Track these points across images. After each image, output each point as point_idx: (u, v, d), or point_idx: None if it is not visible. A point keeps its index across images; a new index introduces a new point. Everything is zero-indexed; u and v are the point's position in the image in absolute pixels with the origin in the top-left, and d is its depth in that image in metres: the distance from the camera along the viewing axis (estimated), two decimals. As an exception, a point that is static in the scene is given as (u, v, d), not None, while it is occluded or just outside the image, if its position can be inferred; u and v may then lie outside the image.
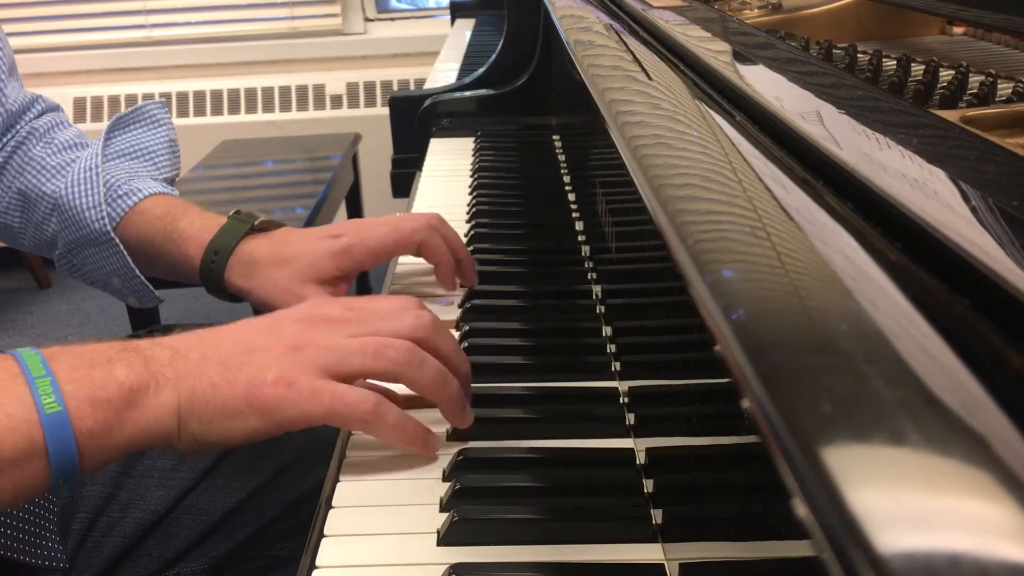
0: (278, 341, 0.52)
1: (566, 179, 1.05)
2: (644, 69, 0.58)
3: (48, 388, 0.46)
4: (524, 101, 1.28)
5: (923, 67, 0.53)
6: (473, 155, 1.17)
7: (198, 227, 0.77)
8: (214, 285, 0.77)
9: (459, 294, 0.77)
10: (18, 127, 0.85)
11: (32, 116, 0.86)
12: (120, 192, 0.80)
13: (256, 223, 0.76)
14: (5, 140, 0.84)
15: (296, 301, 0.72)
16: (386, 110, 1.35)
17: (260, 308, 0.76)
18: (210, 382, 0.49)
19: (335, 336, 0.53)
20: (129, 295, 0.84)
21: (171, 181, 0.89)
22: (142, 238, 0.80)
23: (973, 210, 0.28)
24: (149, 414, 0.48)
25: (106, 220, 0.79)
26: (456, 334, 0.69)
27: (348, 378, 0.51)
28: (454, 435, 0.56)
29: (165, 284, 0.86)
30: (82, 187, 0.80)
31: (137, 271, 0.81)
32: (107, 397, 0.47)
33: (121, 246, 0.80)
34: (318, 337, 0.52)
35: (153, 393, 0.48)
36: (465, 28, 2.17)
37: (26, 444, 0.45)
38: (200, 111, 2.85)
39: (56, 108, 0.90)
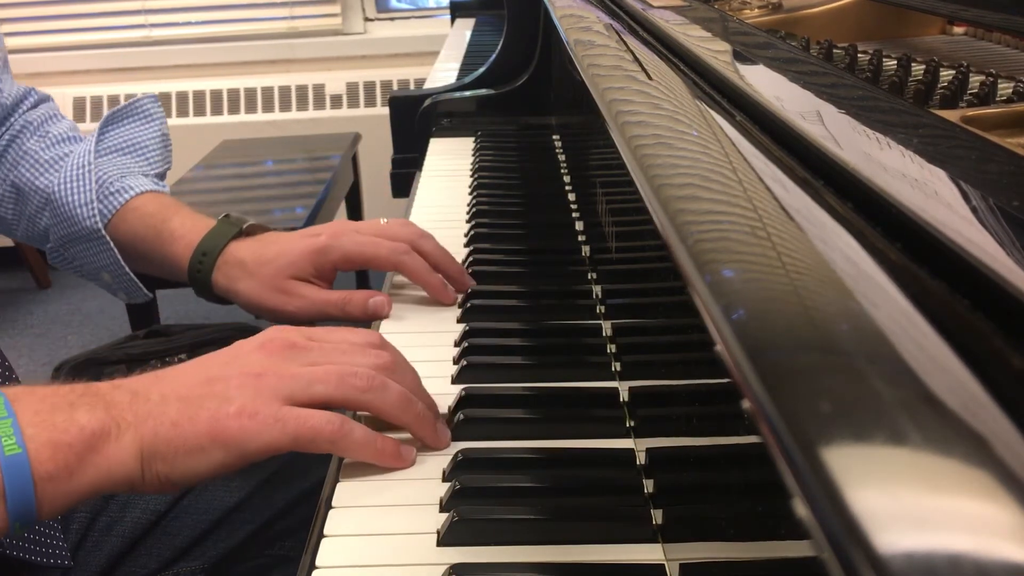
0: (238, 370, 0.51)
1: (566, 179, 1.05)
2: (644, 69, 0.58)
3: (9, 430, 0.45)
4: (524, 101, 1.28)
5: (923, 67, 0.53)
6: (473, 155, 1.17)
7: (188, 228, 0.79)
8: (201, 286, 0.78)
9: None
10: (12, 119, 0.86)
11: (26, 108, 0.87)
12: (112, 189, 0.81)
13: (244, 227, 0.78)
14: (0, 132, 0.85)
15: (278, 296, 0.74)
16: (386, 110, 1.35)
17: (246, 309, 0.77)
18: (171, 421, 0.48)
19: (295, 364, 0.52)
20: (119, 290, 0.85)
21: (162, 175, 0.90)
22: (133, 235, 0.81)
23: (973, 210, 0.28)
24: (112, 459, 0.47)
25: (97, 218, 0.80)
26: (456, 334, 0.69)
27: (310, 406, 0.51)
28: (454, 434, 0.56)
29: (162, 284, 0.86)
30: (74, 184, 0.81)
31: (126, 268, 0.82)
32: (68, 441, 0.46)
33: (112, 244, 0.81)
34: (279, 365, 0.52)
35: (115, 439, 0.47)
36: (465, 28, 2.17)
37: None
38: (200, 111, 2.85)
39: (47, 99, 0.91)
